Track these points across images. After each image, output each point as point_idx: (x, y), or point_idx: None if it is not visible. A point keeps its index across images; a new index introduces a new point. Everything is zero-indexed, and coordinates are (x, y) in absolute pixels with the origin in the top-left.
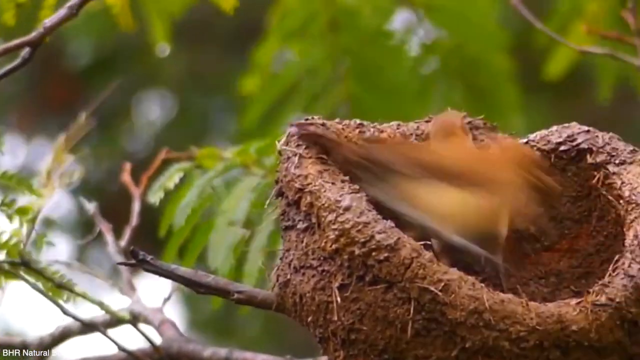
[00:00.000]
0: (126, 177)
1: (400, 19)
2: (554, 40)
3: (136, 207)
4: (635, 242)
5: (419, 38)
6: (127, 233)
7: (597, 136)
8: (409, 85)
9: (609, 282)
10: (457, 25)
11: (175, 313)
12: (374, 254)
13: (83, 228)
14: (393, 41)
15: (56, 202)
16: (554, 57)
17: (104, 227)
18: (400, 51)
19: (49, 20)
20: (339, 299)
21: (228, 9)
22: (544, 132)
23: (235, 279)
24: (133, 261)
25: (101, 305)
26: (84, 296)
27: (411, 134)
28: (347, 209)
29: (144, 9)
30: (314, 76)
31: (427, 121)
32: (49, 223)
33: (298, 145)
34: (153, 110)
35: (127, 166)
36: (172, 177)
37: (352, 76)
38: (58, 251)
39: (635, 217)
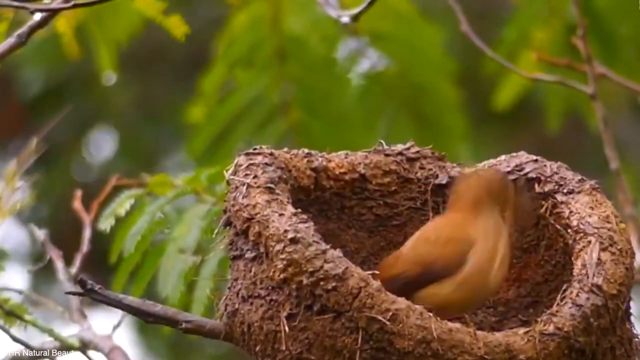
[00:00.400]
0: (77, 204)
1: (346, 48)
2: (503, 69)
3: (87, 233)
4: (583, 272)
5: (365, 66)
6: (77, 260)
7: (545, 165)
8: (355, 113)
9: (557, 312)
10: (404, 53)
11: (128, 338)
12: (322, 283)
13: (35, 258)
14: (339, 69)
15: (7, 232)
16: (503, 86)
17: (54, 254)
18: (346, 79)
19: None
20: (287, 329)
21: (179, 35)
22: (492, 161)
23: (185, 305)
24: (81, 290)
25: (51, 332)
26: (33, 323)
27: (359, 164)
28: (295, 238)
29: (90, 37)
30: (260, 104)
31: (375, 150)
32: (0, 254)
33: (246, 175)
34: (103, 139)
35: (78, 193)
36: (122, 204)
37: (298, 104)
38: (11, 281)
39: (583, 247)
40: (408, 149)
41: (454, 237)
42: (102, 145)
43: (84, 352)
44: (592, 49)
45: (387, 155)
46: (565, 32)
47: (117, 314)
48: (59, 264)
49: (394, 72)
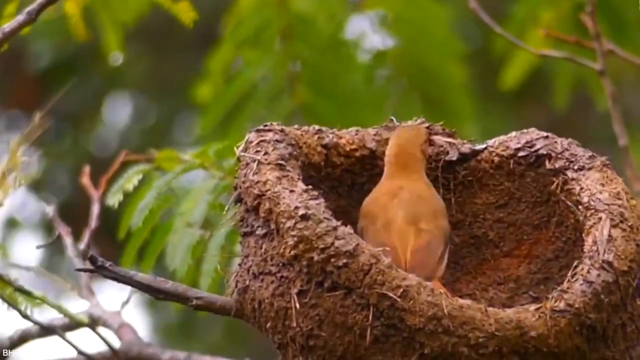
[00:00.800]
0: (85, 180)
1: (354, 27)
2: (512, 47)
3: (95, 209)
4: (594, 248)
5: (372, 46)
6: (86, 236)
7: (555, 142)
8: (362, 92)
9: (567, 288)
10: (410, 34)
11: (137, 317)
12: (332, 260)
13: (47, 227)
14: (346, 48)
15: (19, 200)
16: (512, 63)
17: (63, 231)
18: (353, 58)
19: (7, 26)
20: (297, 305)
21: (187, 22)
22: (502, 137)
23: (193, 279)
24: (91, 267)
25: (60, 308)
26: (42, 300)
27: (370, 140)
28: (306, 215)
29: (97, 18)
30: (267, 84)
31: (386, 127)
32: (13, 223)
33: (257, 152)
34: (116, 111)
35: (86, 169)
36: (130, 179)
37: (305, 83)
38: (22, 252)
39: (594, 223)
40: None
41: (443, 208)
42: (116, 118)
43: (93, 329)
44: (600, 27)
45: None
46: (574, 12)
47: (126, 290)
48: (68, 240)
49: (400, 53)
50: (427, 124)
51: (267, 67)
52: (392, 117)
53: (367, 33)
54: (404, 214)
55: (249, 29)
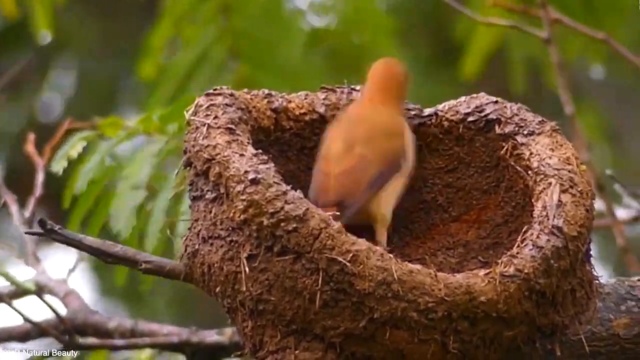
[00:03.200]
0: (30, 147)
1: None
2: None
3: (40, 177)
4: (544, 213)
5: (308, 23)
6: (31, 204)
7: (505, 107)
8: (302, 66)
9: (517, 253)
10: (344, 11)
11: (84, 281)
12: (282, 224)
13: None
14: (284, 21)
15: None
16: (471, 48)
17: (9, 199)
18: (292, 31)
19: None
20: (247, 270)
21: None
22: (452, 102)
23: (139, 241)
24: (41, 230)
25: (6, 276)
26: None
27: (319, 104)
28: (255, 179)
29: None
30: (208, 59)
31: (334, 91)
32: None
33: (206, 115)
34: (63, 75)
35: (31, 137)
36: (75, 146)
37: (245, 58)
38: None
39: (544, 188)
40: None
41: (395, 130)
42: (63, 82)
43: (40, 297)
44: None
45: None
46: None
47: (67, 258)
48: (14, 208)
49: (335, 32)
50: None
51: (207, 43)
52: (345, 81)
53: (303, 10)
54: (342, 139)
55: (187, 3)
